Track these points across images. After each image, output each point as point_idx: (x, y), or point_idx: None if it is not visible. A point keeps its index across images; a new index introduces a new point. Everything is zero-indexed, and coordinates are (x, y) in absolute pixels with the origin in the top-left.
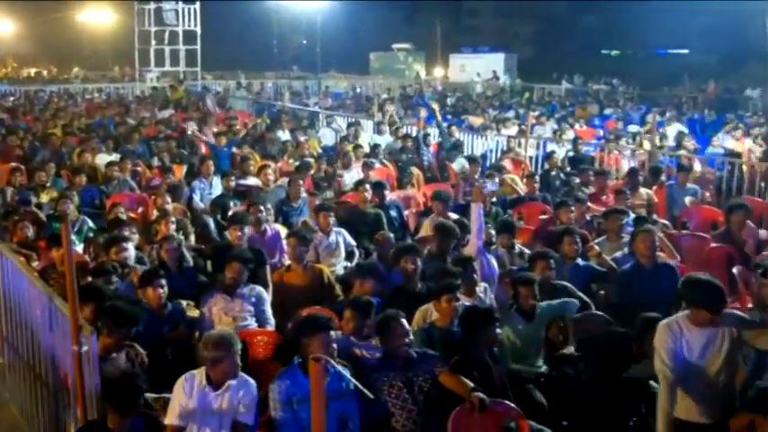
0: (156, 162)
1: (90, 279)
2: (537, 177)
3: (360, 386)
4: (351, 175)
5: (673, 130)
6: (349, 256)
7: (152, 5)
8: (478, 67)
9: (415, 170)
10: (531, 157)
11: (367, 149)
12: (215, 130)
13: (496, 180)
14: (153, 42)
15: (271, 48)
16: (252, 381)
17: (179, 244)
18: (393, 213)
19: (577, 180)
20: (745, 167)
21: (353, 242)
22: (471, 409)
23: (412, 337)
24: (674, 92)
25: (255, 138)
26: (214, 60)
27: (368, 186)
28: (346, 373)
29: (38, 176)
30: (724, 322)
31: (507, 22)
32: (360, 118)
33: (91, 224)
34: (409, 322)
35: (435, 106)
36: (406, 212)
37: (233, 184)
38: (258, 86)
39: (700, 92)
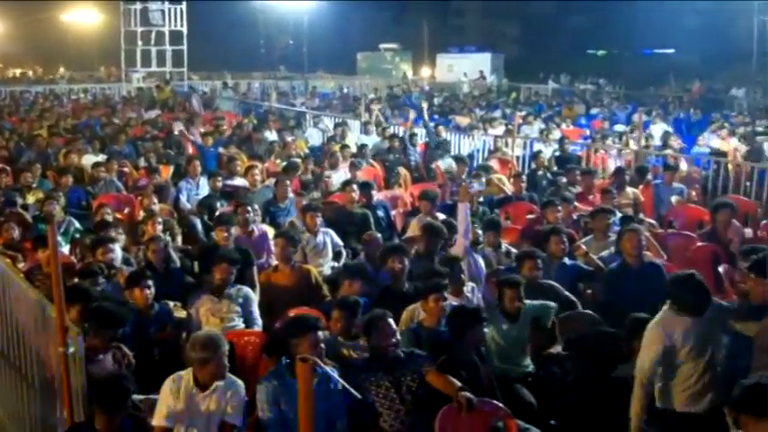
0: (142, 163)
1: (76, 280)
2: (524, 177)
3: (347, 386)
4: (338, 176)
5: (658, 129)
6: (336, 256)
7: (138, 5)
8: (465, 67)
9: (402, 170)
10: (517, 157)
11: (354, 149)
12: (201, 130)
13: (483, 180)
14: (139, 43)
15: (257, 48)
16: (239, 381)
17: (166, 245)
18: (380, 213)
19: (564, 179)
20: (730, 166)
21: (341, 242)
22: (459, 408)
23: (399, 336)
24: (659, 91)
25: (242, 138)
26: (201, 61)
27: (355, 186)
28: (334, 373)
29: (23, 177)
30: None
31: (494, 21)
32: (347, 118)
33: (77, 225)
34: (396, 322)
35: (424, 105)
36: (393, 212)
37: (220, 184)
38: (245, 87)
39: (685, 91)
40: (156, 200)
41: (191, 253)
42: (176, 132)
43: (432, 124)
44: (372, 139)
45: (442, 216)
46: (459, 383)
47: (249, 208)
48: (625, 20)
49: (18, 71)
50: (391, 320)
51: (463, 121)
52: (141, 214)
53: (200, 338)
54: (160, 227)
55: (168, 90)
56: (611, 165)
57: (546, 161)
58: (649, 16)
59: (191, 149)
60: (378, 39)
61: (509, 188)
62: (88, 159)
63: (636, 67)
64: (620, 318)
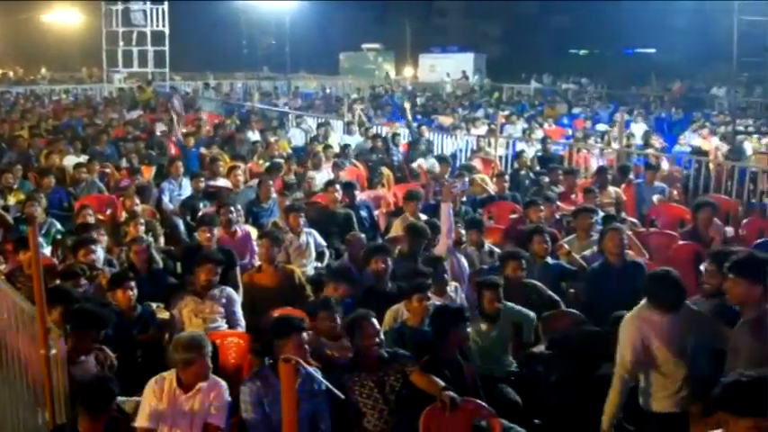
0: (124, 163)
1: (58, 282)
2: (506, 177)
3: (330, 386)
4: (321, 176)
5: (639, 128)
6: (319, 256)
7: (119, 6)
8: (448, 67)
9: (385, 170)
10: (500, 157)
11: (337, 150)
12: (183, 130)
13: (466, 179)
14: (121, 43)
15: (240, 48)
16: (223, 382)
17: (148, 246)
18: (363, 213)
19: (547, 179)
20: (711, 165)
21: (324, 242)
22: (442, 408)
23: (383, 336)
24: (641, 91)
25: (225, 138)
26: (183, 61)
27: (338, 187)
28: (317, 373)
29: (4, 179)
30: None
31: (476, 22)
32: (330, 118)
33: (59, 226)
34: (380, 322)
35: (407, 105)
36: (376, 212)
37: (202, 185)
38: (227, 87)
39: (666, 91)
40: (138, 201)
41: (173, 254)
42: (158, 133)
43: (415, 124)
44: (355, 140)
45: (424, 216)
46: (442, 383)
47: (232, 208)
48: (607, 20)
49: None
50: (374, 320)
51: (446, 120)
52: (123, 215)
53: (184, 339)
54: (142, 228)
55: (150, 91)
56: (594, 164)
57: (528, 161)
58: (631, 16)
59: (173, 150)
60: (360, 39)
61: (492, 188)
62: (70, 160)
63: (618, 66)
64: (602, 316)
